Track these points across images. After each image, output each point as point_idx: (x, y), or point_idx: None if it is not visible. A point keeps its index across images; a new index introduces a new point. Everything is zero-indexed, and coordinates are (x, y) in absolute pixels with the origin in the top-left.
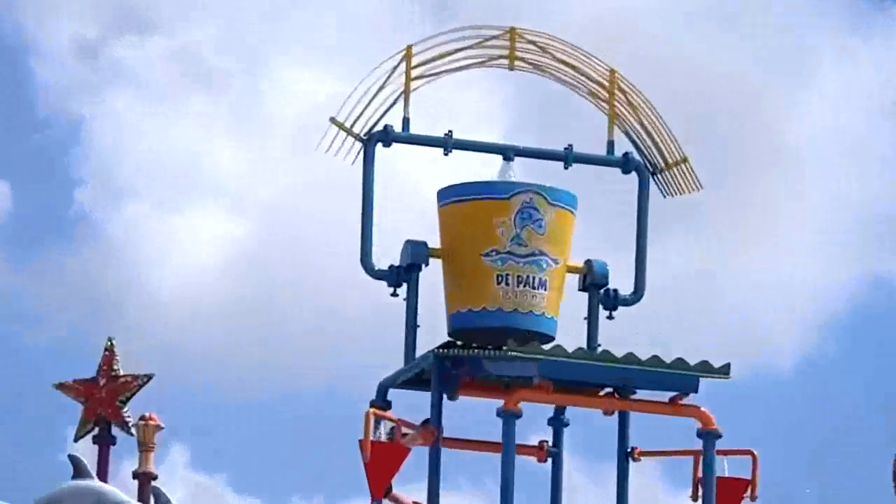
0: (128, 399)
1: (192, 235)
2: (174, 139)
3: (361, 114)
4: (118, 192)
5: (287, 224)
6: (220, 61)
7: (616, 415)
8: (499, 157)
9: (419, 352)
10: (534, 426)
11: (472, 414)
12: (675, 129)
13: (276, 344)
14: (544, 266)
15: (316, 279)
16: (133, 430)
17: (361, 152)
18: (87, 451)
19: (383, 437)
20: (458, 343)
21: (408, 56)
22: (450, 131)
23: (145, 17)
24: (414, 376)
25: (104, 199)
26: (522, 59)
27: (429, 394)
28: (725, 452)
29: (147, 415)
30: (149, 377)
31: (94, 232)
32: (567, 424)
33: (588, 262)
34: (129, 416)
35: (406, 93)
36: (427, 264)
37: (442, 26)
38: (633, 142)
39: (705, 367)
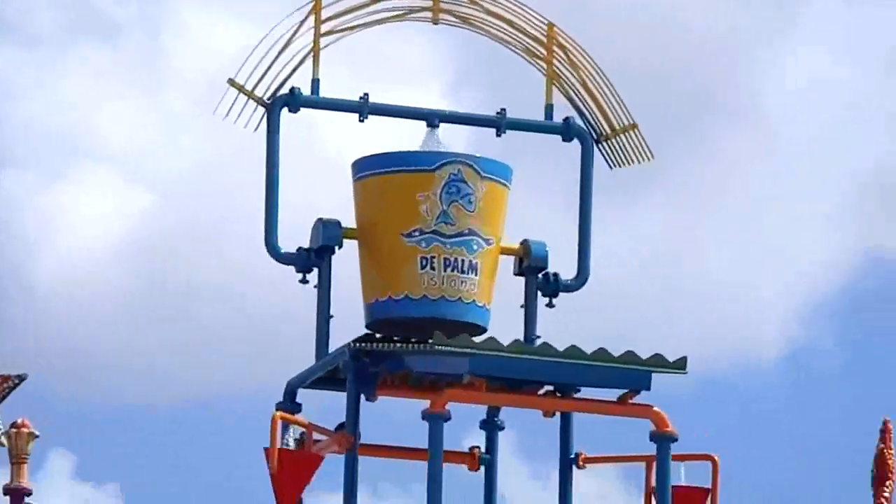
0: None
1: (78, 212)
2: (59, 98)
3: (265, 74)
4: None
5: (186, 200)
6: (115, 8)
7: (558, 416)
8: (422, 124)
9: (332, 346)
10: (464, 430)
11: (393, 417)
12: (625, 91)
13: (170, 340)
14: (475, 247)
15: (216, 264)
16: (3, 439)
17: (265, 118)
18: None
19: (292, 445)
20: (378, 336)
21: (316, 9)
22: (366, 94)
23: None
24: (327, 375)
25: None
26: (448, 12)
27: (344, 394)
28: (682, 458)
29: (20, 421)
30: (21, 378)
31: None
32: (502, 428)
33: (524, 242)
34: None
35: (315, 51)
36: (341, 246)
37: None
38: (575, 106)
39: (658, 361)
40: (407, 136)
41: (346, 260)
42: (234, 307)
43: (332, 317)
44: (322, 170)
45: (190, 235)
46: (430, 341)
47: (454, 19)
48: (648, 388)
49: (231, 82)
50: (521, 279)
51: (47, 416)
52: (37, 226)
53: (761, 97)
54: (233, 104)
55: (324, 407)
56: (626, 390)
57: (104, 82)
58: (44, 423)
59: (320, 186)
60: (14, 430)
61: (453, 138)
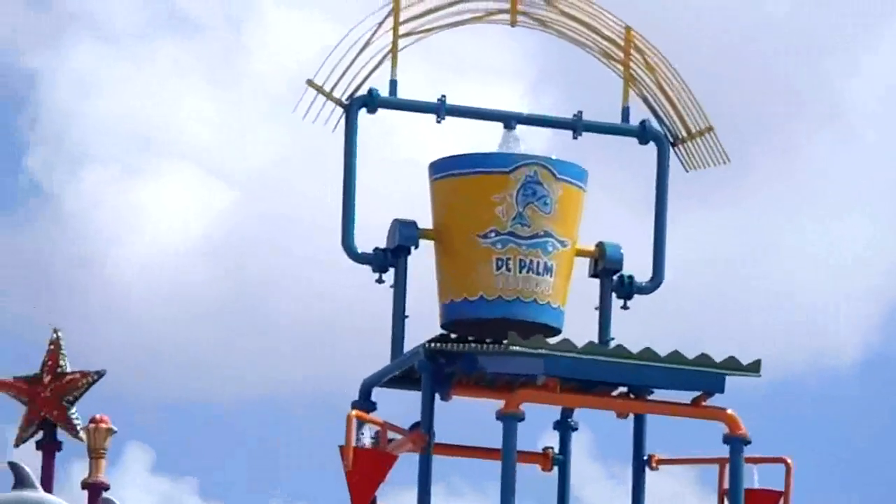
0: (76, 399)
1: (160, 208)
2: (140, 96)
3: (343, 75)
4: (75, 158)
5: (265, 199)
6: (197, 5)
7: (631, 418)
8: (499, 126)
9: (408, 346)
10: (538, 430)
11: (467, 416)
12: (701, 94)
13: (249, 337)
14: (550, 249)
15: (294, 264)
16: (82, 435)
17: (343, 119)
18: (29, 457)
19: (367, 443)
20: (453, 336)
21: (395, 10)
22: (443, 96)
23: None
24: (402, 374)
25: (58, 166)
26: (526, 14)
27: (419, 394)
28: (755, 461)
29: (97, 416)
30: (100, 374)
31: (45, 204)
32: (575, 429)
33: (600, 244)
34: (77, 419)
35: (394, 52)
36: (417, 247)
37: None
38: (652, 108)
39: (732, 364)
40: (484, 138)
41: (423, 260)
42: (310, 306)
43: (407, 316)
44: (399, 171)
45: (268, 234)
46: (505, 342)
47: (531, 21)
48: (722, 391)
49: (310, 83)
50: (596, 281)
51: (125, 411)
52: (118, 222)
53: (844, 100)
54: (311, 104)
55: (399, 406)
56: (699, 392)
57: (186, 79)
58: (122, 419)
59: (397, 187)
60: (92, 425)
61: (530, 140)
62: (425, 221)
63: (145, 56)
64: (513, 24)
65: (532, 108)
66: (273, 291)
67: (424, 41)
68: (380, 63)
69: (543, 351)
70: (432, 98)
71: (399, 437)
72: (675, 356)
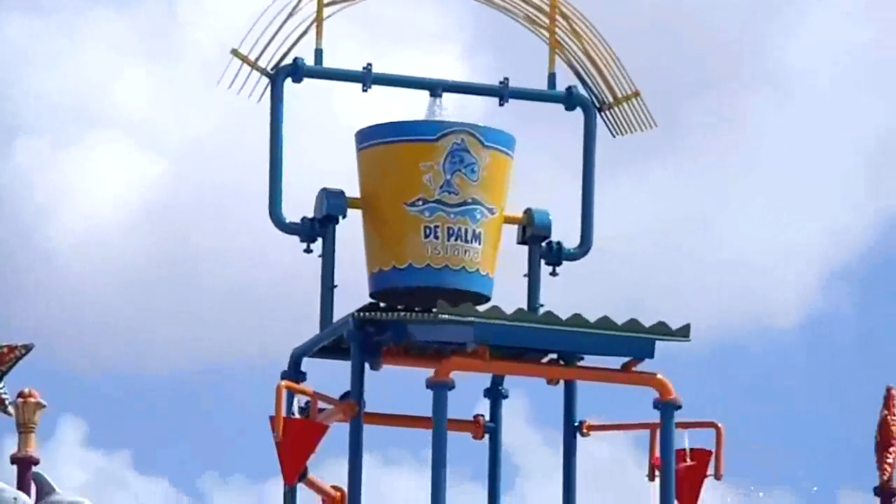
0: (4, 373)
1: (89, 179)
2: (74, 65)
3: (268, 44)
4: (7, 129)
5: (194, 169)
6: None
7: (562, 384)
8: (425, 93)
9: (337, 316)
10: (468, 398)
11: (397, 385)
12: (629, 58)
13: (177, 309)
14: (478, 216)
15: (223, 235)
16: (10, 409)
17: (268, 89)
18: None
19: (297, 413)
20: (382, 305)
21: None
22: (369, 64)
23: None
24: (331, 344)
25: None
26: None
27: (349, 363)
28: (686, 425)
29: (26, 391)
30: (28, 348)
31: None
32: (506, 396)
33: (528, 211)
34: (5, 393)
35: (318, 20)
36: (345, 216)
37: None
38: (578, 74)
39: (661, 329)
40: (411, 107)
41: (350, 229)
42: (239, 277)
43: (336, 286)
44: (326, 140)
45: (197, 205)
46: (434, 310)
47: None
48: (651, 356)
49: (235, 52)
50: (525, 248)
51: (57, 384)
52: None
53: (778, 62)
54: (236, 75)
55: (329, 376)
56: (629, 358)
57: (120, 49)
58: (53, 392)
59: (324, 156)
60: (21, 399)
61: (456, 108)
62: (353, 190)
63: (78, 28)
64: None
65: (457, 75)
66: (202, 264)
67: (349, 8)
68: (305, 32)
69: (473, 318)
70: (358, 66)
71: (329, 406)
72: (605, 322)
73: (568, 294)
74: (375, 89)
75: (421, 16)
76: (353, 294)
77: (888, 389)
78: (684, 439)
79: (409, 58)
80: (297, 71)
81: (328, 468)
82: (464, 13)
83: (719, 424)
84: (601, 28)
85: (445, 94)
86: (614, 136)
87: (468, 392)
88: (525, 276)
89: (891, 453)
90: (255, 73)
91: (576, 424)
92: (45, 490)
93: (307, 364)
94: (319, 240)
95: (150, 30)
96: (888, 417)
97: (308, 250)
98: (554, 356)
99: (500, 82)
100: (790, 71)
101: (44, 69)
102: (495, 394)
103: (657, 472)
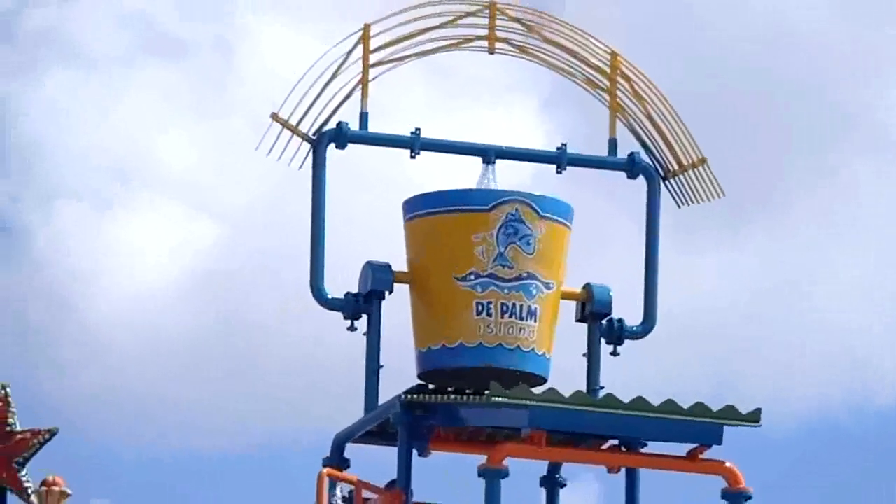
0: (26, 460)
1: (132, 247)
2: (117, 125)
3: (310, 108)
4: (47, 193)
5: (240, 239)
6: (183, 30)
7: (623, 472)
8: (478, 160)
9: (383, 398)
10: (524, 486)
11: (447, 473)
12: (694, 124)
13: (214, 390)
14: (534, 292)
15: (264, 310)
16: (33, 499)
17: (310, 154)
18: None
19: (340, 503)
20: (431, 387)
21: (365, 37)
22: (417, 129)
23: None
24: (377, 428)
25: (29, 201)
26: (505, 40)
27: (395, 449)
28: None
29: (50, 478)
30: (52, 433)
31: (14, 242)
32: (564, 485)
33: (587, 286)
34: (28, 481)
35: (364, 82)
36: (391, 291)
37: (405, 2)
38: (641, 139)
39: (730, 414)
40: (462, 174)
41: (397, 306)
42: (280, 357)
43: (382, 366)
44: (372, 209)
45: (239, 277)
46: (487, 392)
47: (511, 48)
48: (720, 443)
49: (274, 117)
50: (584, 325)
51: (89, 468)
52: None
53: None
54: (276, 139)
55: (374, 463)
56: (695, 445)
57: (168, 107)
58: (83, 477)
59: (369, 227)
60: (44, 488)
61: (511, 175)
62: (400, 264)
63: (123, 84)
64: (491, 51)
65: (512, 141)
66: (241, 341)
67: (397, 69)
68: (349, 95)
69: (528, 402)
70: (406, 131)
71: (374, 496)
72: (669, 406)
73: (630, 375)
74: (424, 155)
75: (473, 78)
76: (401, 375)
77: None
78: None
79: (460, 122)
80: (341, 136)
81: None
82: (522, 75)
83: None
84: (673, 91)
85: (499, 161)
86: (679, 207)
87: (523, 480)
88: (584, 355)
89: None
90: (297, 139)
91: None
92: None
93: (351, 450)
94: (364, 316)
95: (201, 86)
96: None
97: (352, 328)
98: (615, 442)
99: (558, 148)
100: (853, 136)
101: (87, 130)
102: (552, 482)
103: None
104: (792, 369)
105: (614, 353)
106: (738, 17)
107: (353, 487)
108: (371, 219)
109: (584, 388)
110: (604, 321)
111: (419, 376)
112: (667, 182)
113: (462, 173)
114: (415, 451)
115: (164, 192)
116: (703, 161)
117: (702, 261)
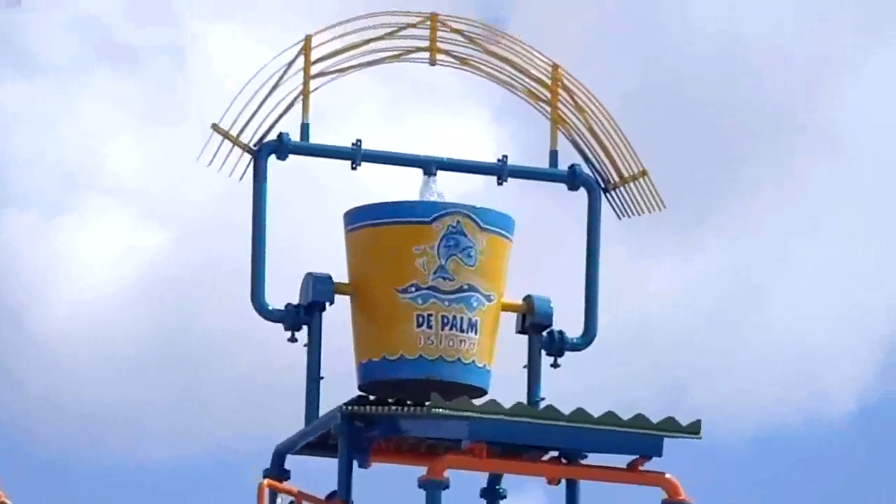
0: None
1: (81, 255)
2: (66, 132)
3: (251, 119)
4: None
5: (179, 252)
6: (132, 37)
7: (563, 484)
8: (419, 172)
9: (323, 409)
10: (464, 498)
11: (388, 484)
12: (644, 133)
13: (151, 401)
14: (475, 304)
15: (203, 321)
16: None
17: (251, 166)
18: None
19: None
20: (371, 398)
21: (307, 48)
22: (358, 140)
23: None
24: (317, 439)
25: None
26: (446, 52)
27: (335, 460)
28: None
29: None
30: None
31: None
32: (504, 496)
33: (528, 298)
34: None
35: (305, 93)
36: (332, 302)
37: (348, 12)
38: (581, 151)
39: (670, 425)
40: (403, 185)
41: (338, 317)
42: (219, 367)
43: (322, 378)
44: (313, 221)
45: (178, 287)
46: (427, 404)
47: (452, 60)
48: (660, 454)
49: (215, 127)
50: (525, 337)
51: (38, 477)
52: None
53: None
54: (217, 150)
55: (314, 474)
56: (636, 456)
57: (116, 115)
58: (32, 486)
59: (311, 238)
60: None
61: (452, 187)
62: (341, 275)
63: (73, 91)
64: (432, 63)
65: (453, 153)
66: (179, 351)
67: (338, 80)
68: (290, 106)
69: (468, 413)
70: (347, 143)
71: None
72: (609, 417)
73: (571, 387)
74: (365, 167)
75: (414, 89)
76: (341, 386)
77: None
78: None
79: (401, 134)
80: (282, 147)
81: None
82: (474, 85)
83: None
84: (618, 102)
85: (440, 173)
86: (620, 219)
87: (463, 492)
88: (525, 367)
89: None
90: (238, 150)
91: None
92: None
93: (291, 461)
94: (305, 328)
95: (150, 92)
96: None
97: (293, 339)
98: (555, 454)
99: (499, 160)
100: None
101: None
102: (493, 494)
103: None
104: (739, 379)
105: (555, 365)
106: (690, 26)
107: (293, 499)
108: (314, 230)
109: (525, 400)
110: (544, 333)
111: (360, 388)
112: (608, 194)
113: (406, 185)
114: (355, 463)
115: (113, 200)
116: (644, 173)
117: (655, 269)
